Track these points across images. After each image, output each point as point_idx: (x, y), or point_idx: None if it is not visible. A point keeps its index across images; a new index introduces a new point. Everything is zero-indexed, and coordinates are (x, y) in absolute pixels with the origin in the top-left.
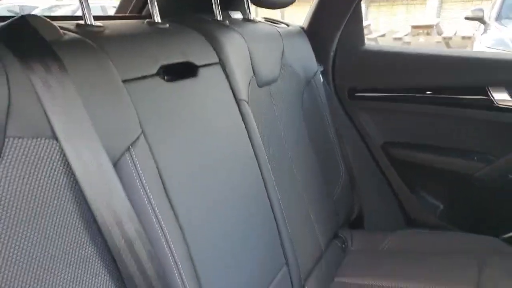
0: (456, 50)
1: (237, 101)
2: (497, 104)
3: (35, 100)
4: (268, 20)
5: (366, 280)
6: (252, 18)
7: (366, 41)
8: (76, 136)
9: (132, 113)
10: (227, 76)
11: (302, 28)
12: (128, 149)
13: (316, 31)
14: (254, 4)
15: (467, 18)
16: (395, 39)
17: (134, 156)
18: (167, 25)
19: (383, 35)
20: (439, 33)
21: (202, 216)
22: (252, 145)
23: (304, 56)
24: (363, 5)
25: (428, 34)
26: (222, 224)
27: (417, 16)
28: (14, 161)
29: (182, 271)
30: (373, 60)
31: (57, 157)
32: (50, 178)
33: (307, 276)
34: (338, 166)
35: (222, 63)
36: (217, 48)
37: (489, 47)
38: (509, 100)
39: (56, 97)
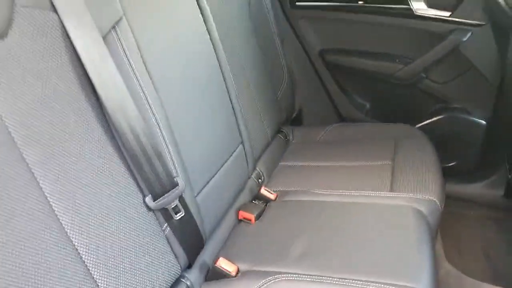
0: None
1: None
2: (416, 13)
3: None
4: None
5: (304, 162)
6: None
7: None
8: (71, 10)
9: None
10: None
11: None
12: (113, 27)
13: None
14: None
15: None
16: None
17: (119, 33)
18: None
19: None
20: None
21: (175, 89)
22: (210, 38)
23: None
24: None
25: None
26: (191, 96)
27: None
28: (24, 27)
29: (162, 130)
30: None
31: (57, 27)
32: (52, 44)
33: (257, 159)
34: (282, 69)
35: None
36: None
37: None
38: (426, 9)
39: None
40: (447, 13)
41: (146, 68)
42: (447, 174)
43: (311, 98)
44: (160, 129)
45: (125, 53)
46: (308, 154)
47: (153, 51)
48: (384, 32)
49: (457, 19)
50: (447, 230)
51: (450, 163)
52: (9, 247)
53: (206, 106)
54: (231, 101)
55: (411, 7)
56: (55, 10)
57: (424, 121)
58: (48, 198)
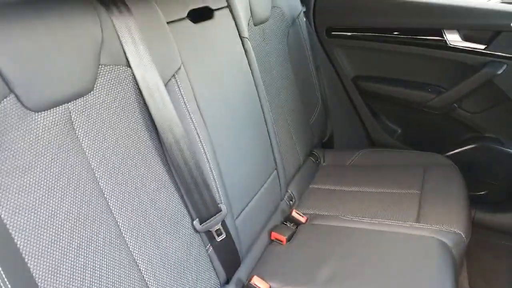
0: None
1: (241, 38)
2: (450, 45)
3: (116, 37)
4: None
5: (334, 186)
6: None
7: None
8: (142, 64)
9: (175, 48)
10: (233, 17)
11: None
12: (173, 75)
13: None
14: None
15: None
16: None
17: (178, 80)
18: None
19: None
20: None
21: (222, 125)
22: (252, 75)
23: None
24: None
25: None
26: (234, 132)
27: None
28: (106, 81)
29: (210, 159)
30: (347, 2)
31: (130, 79)
32: (126, 94)
33: (289, 182)
34: (315, 96)
35: (229, 6)
36: None
37: None
38: (460, 41)
39: (128, 34)
40: (482, 46)
41: (199, 109)
42: (477, 203)
43: (343, 122)
44: (208, 163)
45: (182, 97)
46: (338, 178)
47: (204, 94)
48: (417, 62)
49: (492, 52)
50: (475, 259)
51: (480, 192)
52: (89, 268)
53: (247, 138)
54: (267, 130)
55: (445, 39)
56: (129, 65)
57: (455, 149)
58: (118, 223)
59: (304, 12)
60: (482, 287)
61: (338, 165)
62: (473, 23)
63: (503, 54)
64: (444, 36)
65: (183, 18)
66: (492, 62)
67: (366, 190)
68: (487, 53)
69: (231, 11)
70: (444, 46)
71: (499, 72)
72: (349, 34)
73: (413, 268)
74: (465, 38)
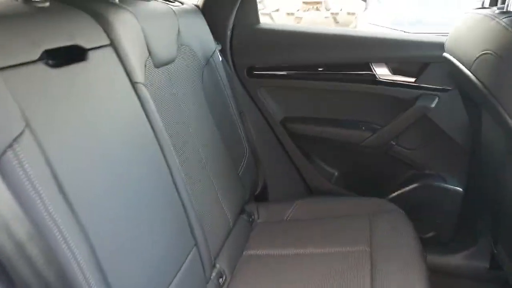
0: (342, 29)
1: (133, 84)
2: (379, 79)
3: None
4: None
5: (272, 250)
6: None
7: (260, 16)
8: None
9: (12, 106)
10: (120, 58)
11: (197, 6)
12: (10, 146)
13: (211, 9)
14: None
15: None
16: (288, 14)
17: (19, 152)
18: (48, 3)
19: (277, 10)
20: (327, 9)
21: (102, 209)
22: (152, 128)
23: (201, 35)
24: None
25: (317, 9)
26: (124, 214)
27: None
28: None
29: (85, 269)
30: (268, 38)
31: None
32: None
33: (217, 254)
34: (242, 143)
35: (114, 45)
36: (107, 29)
37: (371, 23)
38: (389, 75)
39: None
40: (412, 79)
41: (60, 188)
42: (426, 246)
43: (276, 170)
44: (80, 268)
45: (27, 175)
46: (275, 239)
47: (70, 165)
48: (348, 99)
49: (422, 85)
50: None
51: (428, 234)
52: None
53: (147, 216)
54: (181, 199)
55: (374, 72)
56: None
57: (397, 190)
58: None
59: (219, 50)
60: None
61: (274, 221)
62: (401, 56)
63: (433, 86)
64: (373, 69)
65: (33, 61)
66: (424, 95)
67: (309, 252)
68: (418, 86)
69: (115, 50)
70: (373, 80)
71: (432, 105)
72: (272, 73)
73: None
74: (395, 72)
